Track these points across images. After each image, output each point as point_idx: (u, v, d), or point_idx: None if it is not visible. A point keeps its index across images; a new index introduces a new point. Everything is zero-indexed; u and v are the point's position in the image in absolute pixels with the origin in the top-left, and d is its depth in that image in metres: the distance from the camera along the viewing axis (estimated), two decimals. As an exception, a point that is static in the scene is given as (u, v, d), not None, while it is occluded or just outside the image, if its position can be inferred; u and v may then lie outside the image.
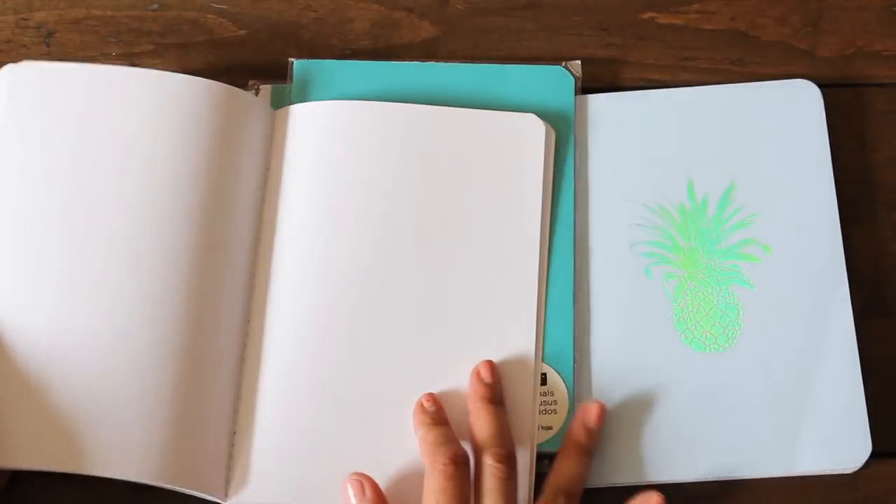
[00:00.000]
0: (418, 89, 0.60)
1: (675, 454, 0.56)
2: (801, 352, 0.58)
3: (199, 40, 0.63)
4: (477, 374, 0.55)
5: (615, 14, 0.64)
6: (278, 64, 0.63)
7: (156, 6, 0.64)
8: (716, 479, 0.56)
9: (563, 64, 0.61)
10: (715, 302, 0.59)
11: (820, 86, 0.62)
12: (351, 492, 0.53)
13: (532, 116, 0.59)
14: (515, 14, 0.64)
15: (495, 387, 0.55)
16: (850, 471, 0.57)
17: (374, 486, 0.53)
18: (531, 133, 0.59)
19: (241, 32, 0.63)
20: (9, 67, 0.56)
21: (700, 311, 0.59)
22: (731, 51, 0.63)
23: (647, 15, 0.64)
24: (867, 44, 0.64)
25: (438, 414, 0.55)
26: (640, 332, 0.58)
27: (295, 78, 0.61)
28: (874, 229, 0.61)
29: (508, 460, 0.52)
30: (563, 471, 0.54)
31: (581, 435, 0.55)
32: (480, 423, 0.54)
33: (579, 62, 0.61)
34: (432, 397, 0.55)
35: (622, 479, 0.56)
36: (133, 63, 0.63)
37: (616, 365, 0.58)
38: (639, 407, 0.57)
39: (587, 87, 0.62)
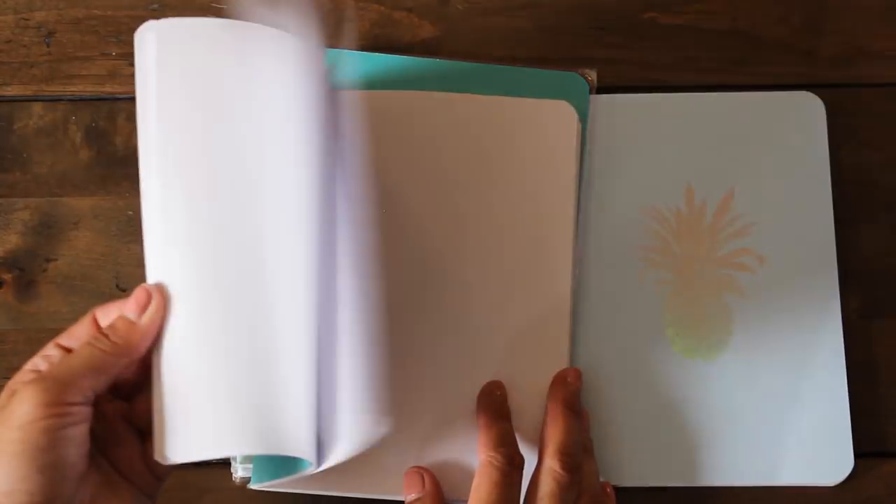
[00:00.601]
0: (435, 86, 0.60)
1: (658, 459, 0.57)
2: (789, 365, 0.58)
3: (199, 40, 0.63)
4: (564, 377, 0.55)
5: (615, 14, 0.64)
6: (278, 64, 0.63)
7: (156, 6, 0.64)
8: (696, 486, 0.57)
9: (580, 71, 0.61)
10: (706, 310, 0.59)
11: (820, 86, 0.62)
12: (410, 483, 0.54)
13: (564, 103, 0.59)
14: (515, 14, 0.64)
15: (578, 394, 0.55)
16: (830, 485, 0.57)
17: (432, 477, 0.54)
18: (563, 120, 0.59)
19: (241, 32, 0.63)
20: (152, 24, 0.51)
21: (690, 319, 0.58)
22: (731, 51, 0.63)
23: (647, 15, 0.64)
24: (867, 44, 0.64)
25: (505, 405, 0.55)
26: (629, 336, 0.58)
27: None
28: (874, 229, 0.61)
29: (574, 471, 0.51)
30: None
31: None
32: (557, 427, 0.53)
33: (595, 71, 0.61)
34: (502, 385, 0.55)
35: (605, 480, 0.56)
36: (133, 63, 0.63)
37: (603, 367, 0.58)
38: (623, 410, 0.57)
39: (587, 87, 0.62)
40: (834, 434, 0.57)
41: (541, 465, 0.52)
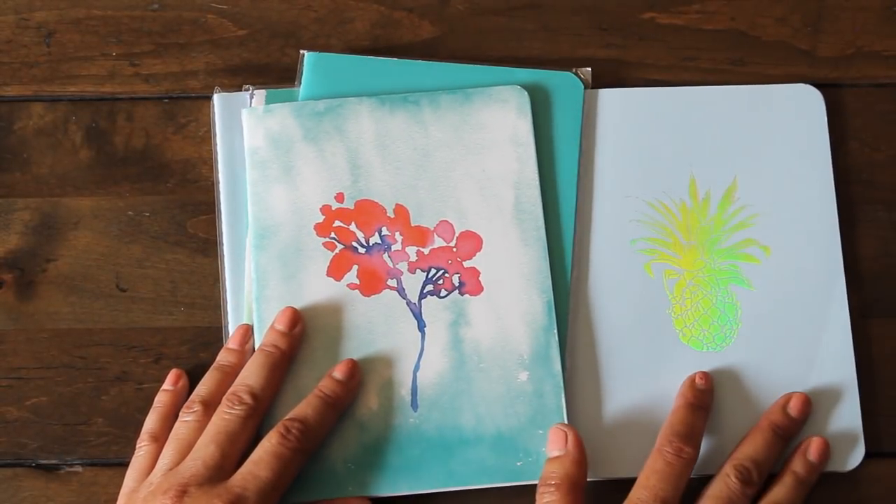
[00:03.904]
0: (429, 88, 0.60)
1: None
2: (797, 354, 0.58)
3: (199, 40, 0.63)
4: (783, 402, 0.57)
5: (615, 14, 0.64)
6: (278, 64, 0.63)
7: (156, 6, 0.64)
8: (704, 475, 0.57)
9: (574, 70, 0.61)
10: (713, 301, 0.59)
11: (820, 85, 0.62)
12: (554, 439, 0.55)
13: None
14: (515, 14, 0.64)
15: (788, 424, 0.56)
16: (843, 471, 0.57)
17: (576, 437, 0.54)
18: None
19: (241, 32, 0.63)
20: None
21: (698, 310, 0.59)
22: (731, 51, 0.63)
23: (647, 15, 0.64)
24: (867, 44, 0.64)
25: (704, 398, 0.56)
26: (638, 329, 0.59)
27: (305, 71, 0.61)
28: (874, 229, 0.61)
29: (747, 484, 0.54)
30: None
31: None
32: (750, 442, 0.56)
33: (590, 69, 0.61)
34: (706, 378, 0.57)
35: (613, 472, 0.57)
36: (133, 63, 0.63)
37: (611, 359, 0.58)
38: (633, 402, 0.58)
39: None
40: (845, 420, 0.57)
41: (721, 468, 0.54)
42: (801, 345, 0.58)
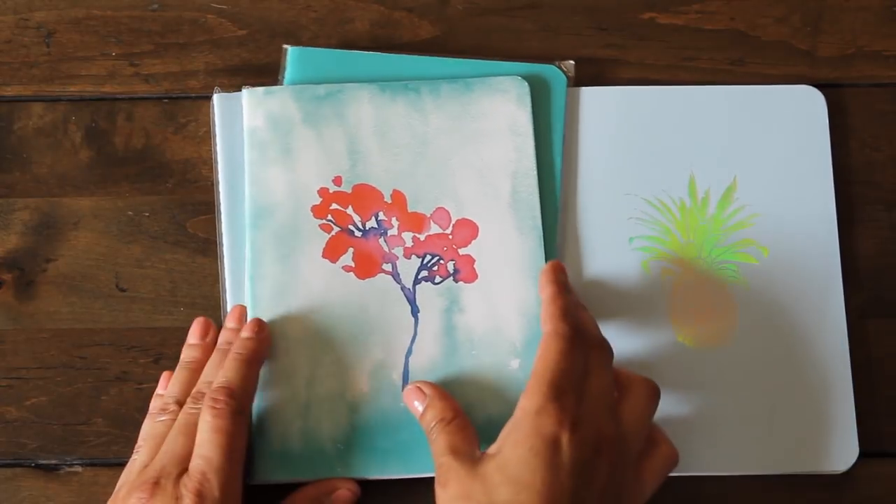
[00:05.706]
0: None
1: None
2: (794, 353, 0.58)
3: (199, 40, 0.63)
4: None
5: (615, 14, 0.64)
6: (278, 64, 0.63)
7: (156, 6, 0.64)
8: (703, 475, 0.57)
9: (557, 63, 0.61)
10: (710, 300, 0.59)
11: (820, 85, 0.62)
12: (414, 400, 0.54)
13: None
14: (515, 14, 0.64)
15: (558, 271, 0.55)
16: (836, 472, 0.57)
17: (433, 385, 0.54)
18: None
19: (241, 32, 0.64)
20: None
21: (695, 309, 0.59)
22: (731, 51, 0.63)
23: (647, 15, 0.64)
24: (867, 44, 0.64)
25: (568, 282, 0.55)
26: (635, 327, 0.59)
27: (289, 65, 0.61)
28: (874, 229, 0.61)
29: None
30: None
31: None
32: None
33: (573, 62, 0.61)
34: (563, 267, 0.55)
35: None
36: (133, 63, 0.63)
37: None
38: None
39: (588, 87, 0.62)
40: (839, 421, 0.57)
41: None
42: (796, 345, 0.58)
